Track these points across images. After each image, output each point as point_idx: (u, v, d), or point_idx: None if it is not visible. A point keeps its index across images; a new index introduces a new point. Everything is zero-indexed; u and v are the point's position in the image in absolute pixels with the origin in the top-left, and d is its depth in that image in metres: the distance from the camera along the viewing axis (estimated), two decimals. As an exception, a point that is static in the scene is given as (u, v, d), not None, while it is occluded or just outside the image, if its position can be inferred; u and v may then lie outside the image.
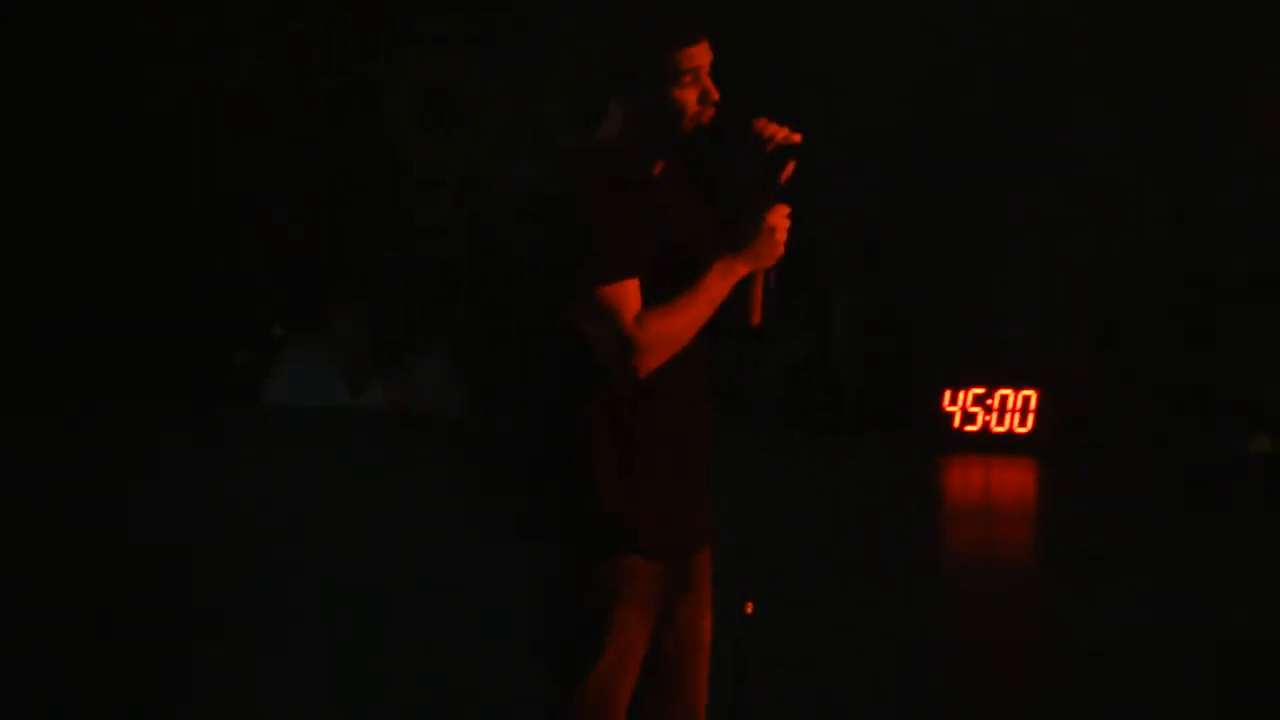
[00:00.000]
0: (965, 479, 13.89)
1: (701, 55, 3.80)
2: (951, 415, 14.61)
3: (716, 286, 3.76)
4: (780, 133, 3.82)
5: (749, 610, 3.99)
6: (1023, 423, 14.47)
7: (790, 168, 3.86)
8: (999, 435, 14.49)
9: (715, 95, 3.83)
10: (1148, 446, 14.12)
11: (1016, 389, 14.53)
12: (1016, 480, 13.80)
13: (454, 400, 16.19)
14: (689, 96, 3.80)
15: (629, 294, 3.71)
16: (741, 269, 3.81)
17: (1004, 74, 15.25)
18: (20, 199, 16.56)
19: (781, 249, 3.85)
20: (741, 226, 3.83)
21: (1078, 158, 15.55)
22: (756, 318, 4.01)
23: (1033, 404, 14.47)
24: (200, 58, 16.71)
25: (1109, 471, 13.51)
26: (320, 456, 13.98)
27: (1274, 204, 15.08)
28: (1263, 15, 14.54)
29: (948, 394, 14.65)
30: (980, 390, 14.58)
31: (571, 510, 3.77)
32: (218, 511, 11.25)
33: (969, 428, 14.55)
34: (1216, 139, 15.15)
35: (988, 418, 14.54)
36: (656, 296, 3.74)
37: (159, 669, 7.09)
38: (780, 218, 3.84)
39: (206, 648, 7.48)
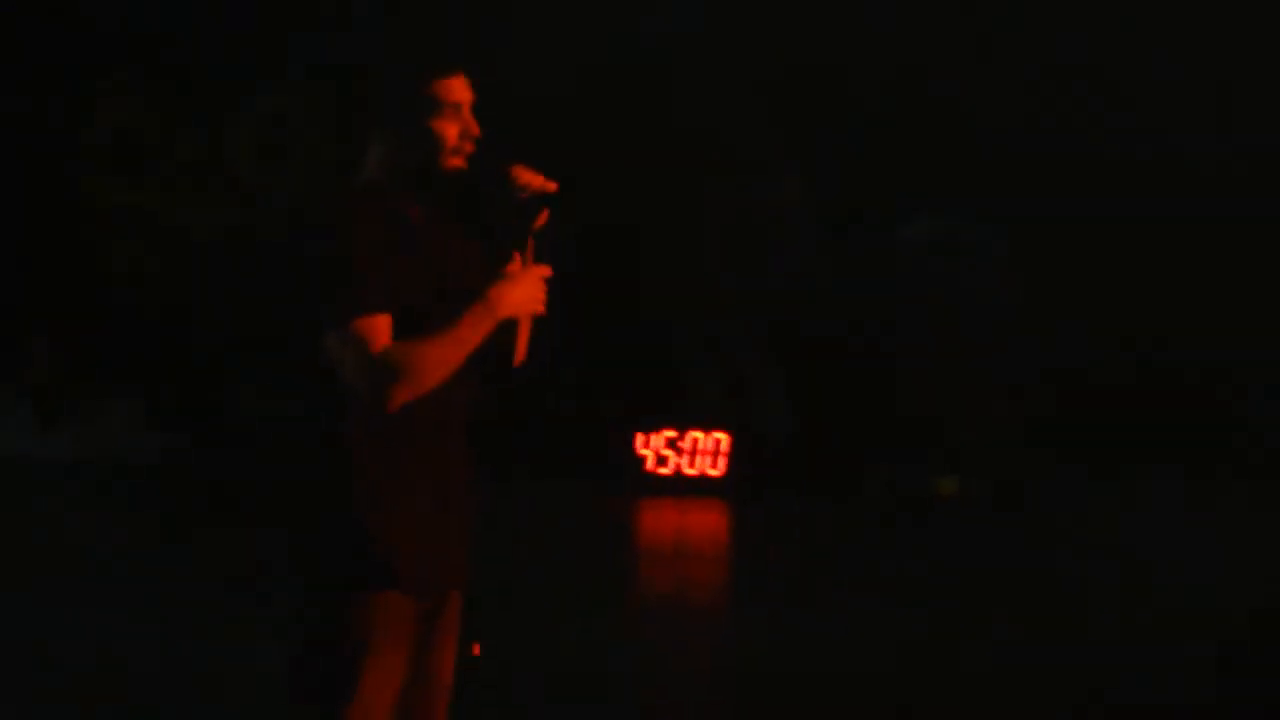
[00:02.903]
0: (658, 520, 14.06)
1: (461, 90, 3.88)
2: (644, 458, 14.78)
3: (470, 328, 3.80)
4: (536, 180, 3.89)
5: (476, 651, 4.06)
6: (714, 465, 14.70)
7: (544, 216, 3.94)
8: (691, 478, 14.69)
9: (476, 131, 3.89)
10: (839, 488, 14.46)
11: (707, 431, 14.74)
12: (708, 522, 14.00)
13: (148, 445, 15.99)
14: (449, 130, 3.87)
15: (380, 327, 3.73)
16: (500, 312, 3.85)
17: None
18: None
19: (541, 305, 3.92)
20: (505, 279, 3.87)
21: (756, 206, 15.88)
22: (520, 358, 4.07)
23: (724, 447, 14.70)
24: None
25: (799, 513, 13.80)
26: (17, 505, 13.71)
27: (951, 246, 15.56)
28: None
29: (639, 437, 14.81)
30: (672, 433, 14.76)
31: (333, 544, 3.78)
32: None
33: (662, 470, 14.74)
34: (889, 184, 15.61)
35: (679, 460, 14.73)
36: (423, 330, 3.78)
37: None
38: (542, 273, 3.93)
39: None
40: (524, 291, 3.89)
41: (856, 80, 15.64)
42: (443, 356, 3.76)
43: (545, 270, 3.93)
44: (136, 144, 16.62)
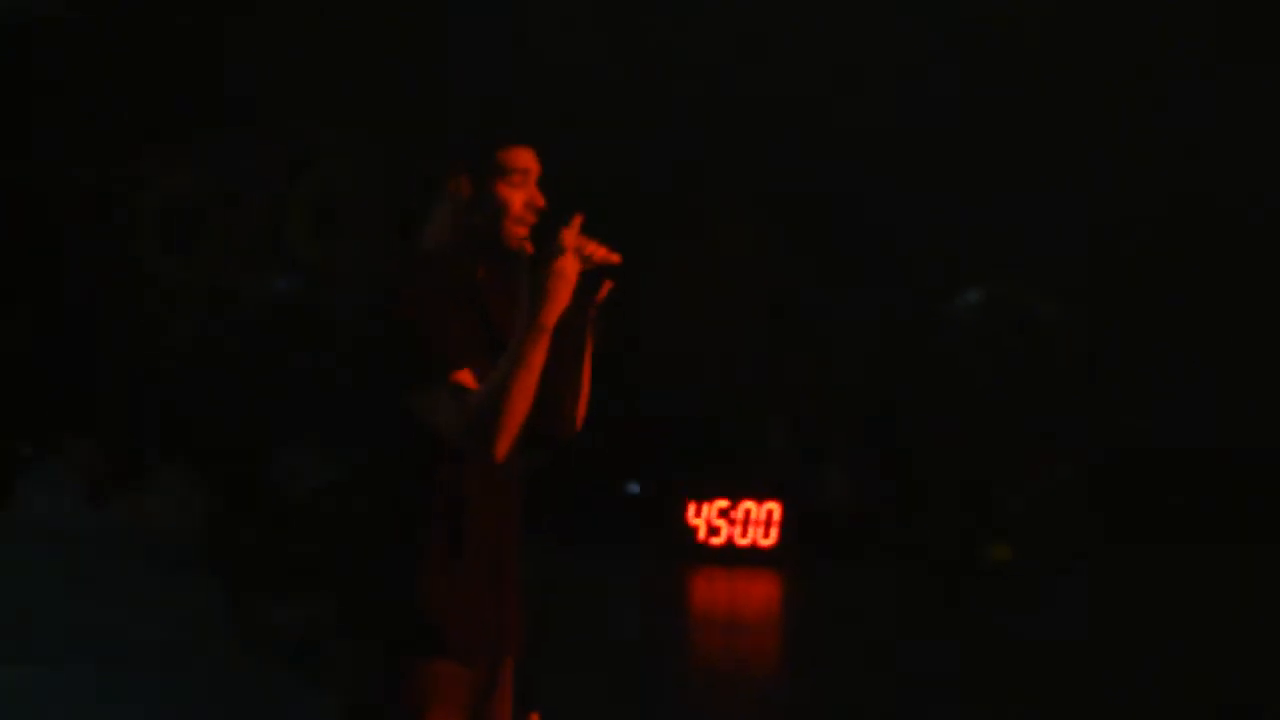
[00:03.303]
0: (710, 590, 14.05)
1: (530, 160, 3.93)
2: (696, 528, 14.77)
3: (531, 348, 3.76)
4: (599, 251, 3.91)
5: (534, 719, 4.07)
6: (766, 535, 14.68)
7: (606, 287, 3.96)
8: (743, 548, 14.66)
9: (540, 203, 3.93)
10: (892, 556, 14.42)
11: (759, 501, 14.72)
12: (760, 591, 13.98)
13: (197, 517, 16.02)
14: (515, 197, 3.91)
15: (467, 380, 3.77)
16: (545, 319, 3.79)
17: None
18: None
19: (570, 285, 3.83)
20: (535, 292, 3.80)
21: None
22: (578, 425, 4.09)
23: (776, 516, 14.69)
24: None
25: (853, 582, 13.76)
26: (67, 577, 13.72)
27: (997, 314, 15.55)
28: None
29: (691, 506, 14.80)
30: (724, 503, 14.75)
31: (390, 612, 3.79)
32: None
33: (714, 540, 14.72)
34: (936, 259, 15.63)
35: (731, 530, 14.72)
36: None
37: None
38: (566, 260, 3.83)
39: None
40: (558, 284, 3.83)
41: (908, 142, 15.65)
42: (521, 387, 3.76)
43: (568, 256, 3.86)
44: (193, 214, 16.72)
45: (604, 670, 10.01)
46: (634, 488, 15.81)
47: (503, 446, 3.73)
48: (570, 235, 3.85)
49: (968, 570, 14.14)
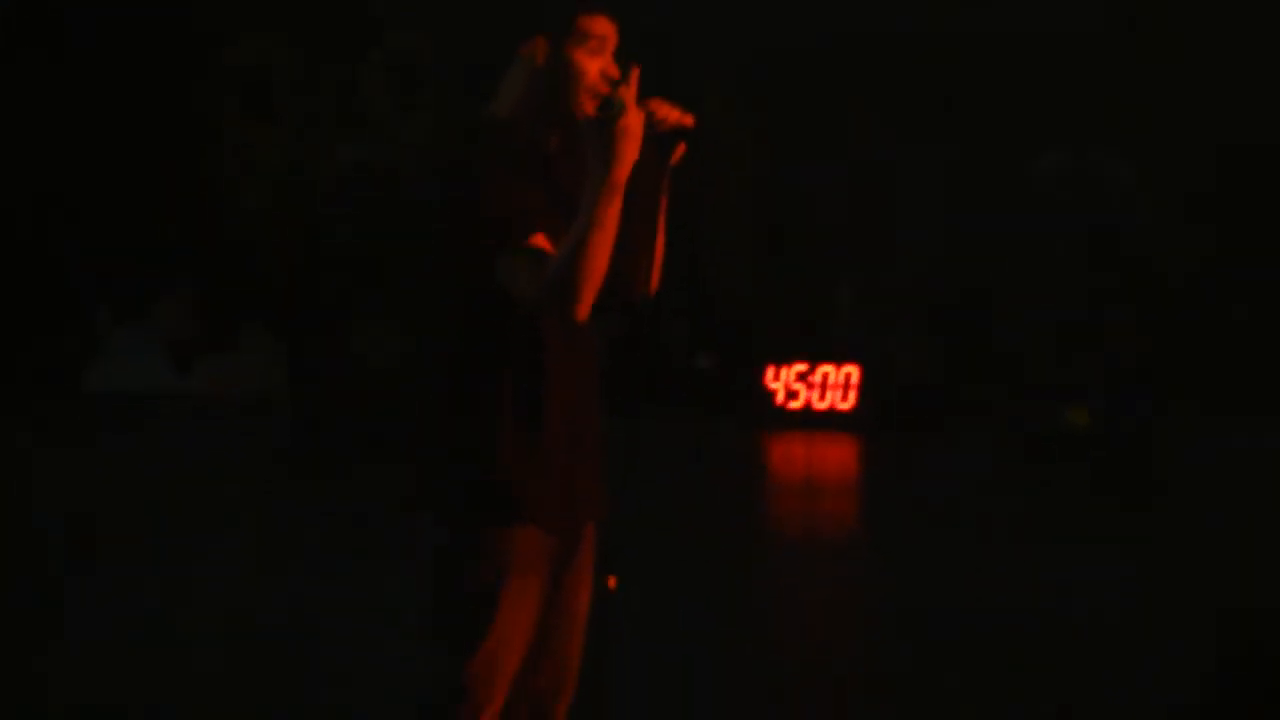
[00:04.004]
0: (787, 455, 14.06)
1: (608, 28, 3.87)
2: (774, 392, 14.76)
3: (601, 207, 3.70)
4: (673, 114, 3.85)
5: (611, 585, 4.07)
6: (844, 399, 14.67)
7: (680, 150, 3.92)
8: (821, 412, 14.66)
9: (615, 73, 3.87)
10: (968, 421, 14.41)
11: (838, 366, 14.69)
12: (838, 456, 13.98)
13: (279, 382, 16.15)
14: (591, 64, 3.86)
15: (542, 243, 3.75)
16: (615, 177, 3.72)
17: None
18: None
19: (637, 141, 3.74)
20: (600, 150, 3.73)
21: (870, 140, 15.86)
22: (654, 286, 4.07)
23: (854, 380, 14.66)
24: (23, 41, 16.53)
25: (929, 448, 13.77)
26: (144, 444, 13.90)
27: (1078, 177, 15.43)
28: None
29: (770, 370, 14.78)
30: (803, 367, 14.73)
31: (470, 480, 3.79)
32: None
33: (792, 404, 14.72)
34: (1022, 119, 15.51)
35: (810, 394, 14.70)
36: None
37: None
38: (625, 112, 3.72)
39: None
40: (622, 142, 3.74)
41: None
42: (597, 247, 3.71)
43: (630, 117, 3.76)
44: (271, 82, 16.74)
45: (680, 536, 10.06)
46: (703, 360, 15.82)
47: (584, 307, 3.70)
48: (629, 91, 3.79)
49: (1047, 434, 14.10)
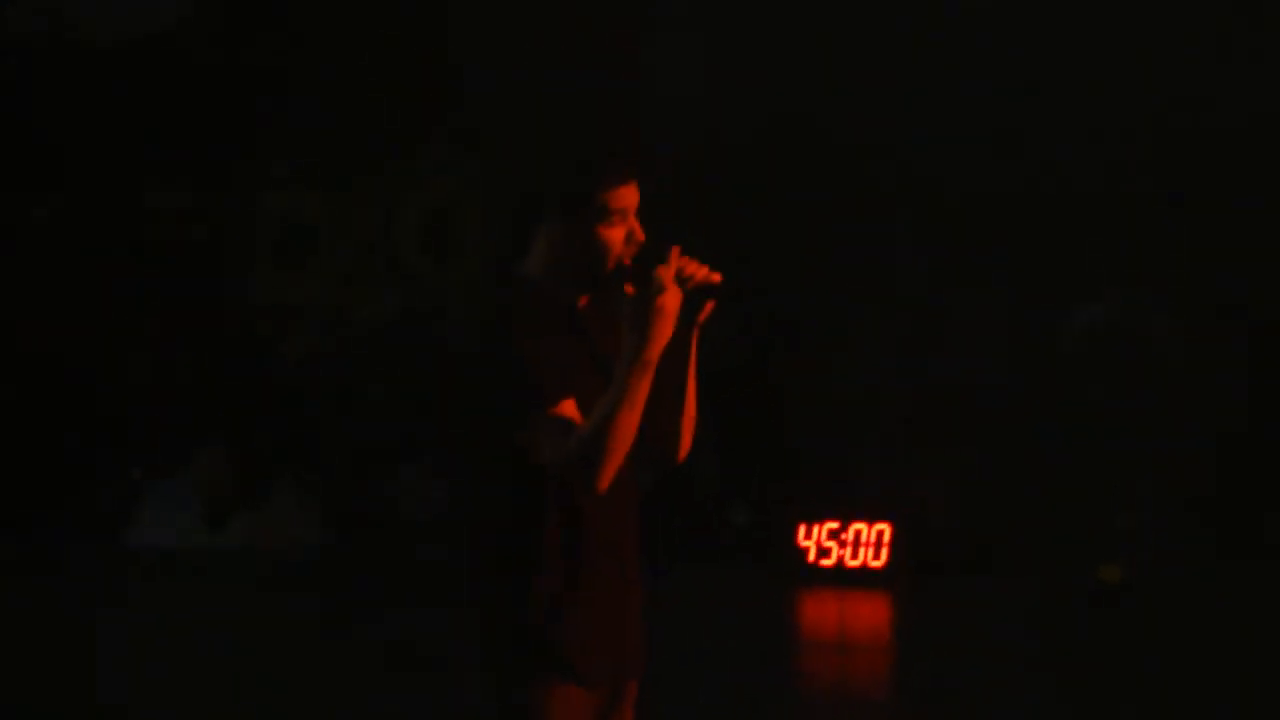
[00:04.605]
0: (821, 612, 14.00)
1: (629, 196, 3.87)
2: (806, 550, 14.72)
3: (632, 383, 3.73)
4: (700, 271, 3.88)
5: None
6: (876, 556, 14.61)
7: (709, 308, 3.94)
8: (853, 569, 14.60)
9: (640, 236, 3.90)
10: (999, 576, 14.33)
11: (870, 523, 14.66)
12: (871, 613, 13.92)
13: (314, 534, 16.14)
14: (616, 236, 3.87)
15: (569, 411, 3.75)
16: (648, 355, 3.76)
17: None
18: None
19: (672, 320, 3.79)
20: (634, 328, 3.78)
21: (912, 284, 15.89)
22: (685, 450, 4.07)
23: (886, 537, 14.62)
24: (53, 187, 16.69)
25: (965, 603, 13.69)
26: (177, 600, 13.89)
27: (1114, 333, 15.42)
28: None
29: (802, 528, 14.75)
30: (834, 524, 14.70)
31: (514, 635, 3.79)
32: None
33: (824, 562, 14.67)
34: (1059, 270, 15.51)
35: (842, 552, 14.65)
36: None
37: None
38: (663, 292, 3.79)
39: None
40: (660, 316, 3.79)
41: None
42: (625, 422, 3.74)
43: (667, 297, 3.81)
44: (304, 234, 16.86)
45: (715, 692, 10.00)
46: (740, 516, 15.80)
47: (605, 480, 3.72)
48: (668, 272, 3.81)
49: (1079, 591, 14.01)
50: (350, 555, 15.33)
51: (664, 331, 3.75)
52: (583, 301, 3.96)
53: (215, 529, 16.27)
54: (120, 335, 16.62)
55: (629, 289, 3.80)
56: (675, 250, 3.85)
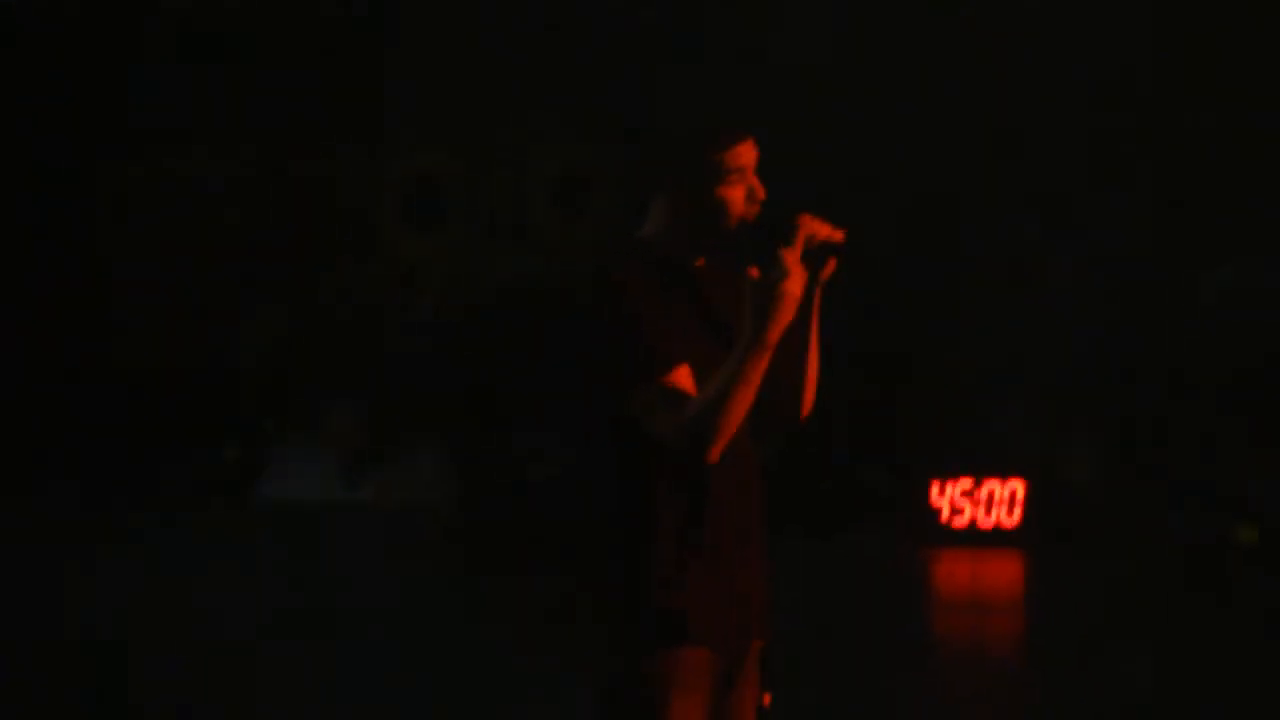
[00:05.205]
0: (954, 572, 13.93)
1: (747, 154, 3.80)
2: (939, 509, 14.63)
3: (750, 364, 3.67)
4: (824, 230, 3.82)
5: (766, 702, 4.02)
6: (1010, 515, 14.50)
7: (831, 266, 3.88)
8: (986, 529, 14.50)
9: (762, 194, 3.83)
10: (1134, 538, 14.19)
11: (1004, 480, 14.54)
12: (1004, 573, 13.83)
13: (449, 493, 16.24)
14: (735, 195, 3.80)
15: (683, 379, 3.71)
16: (770, 337, 3.70)
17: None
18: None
19: (795, 303, 3.72)
20: (761, 308, 3.70)
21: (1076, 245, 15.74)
22: (807, 409, 4.02)
23: (1020, 496, 14.50)
24: (190, 141, 16.87)
25: (1096, 563, 13.58)
26: (313, 554, 14.02)
27: (1252, 297, 15.22)
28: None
29: (935, 486, 14.66)
30: (968, 483, 14.59)
31: (629, 601, 3.76)
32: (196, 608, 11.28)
33: (957, 521, 14.57)
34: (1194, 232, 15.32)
35: (975, 511, 14.55)
36: (710, 379, 3.73)
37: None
38: (791, 279, 3.72)
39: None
40: (780, 303, 3.72)
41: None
42: (740, 399, 3.69)
43: (791, 281, 3.75)
44: (437, 193, 16.94)
45: (847, 653, 9.96)
46: (873, 477, 15.72)
47: (716, 454, 3.67)
48: (793, 255, 3.75)
49: (1217, 553, 13.85)
50: (482, 514, 15.40)
51: (785, 316, 3.69)
52: (699, 263, 3.91)
53: (350, 483, 16.42)
54: (254, 290, 16.78)
55: (753, 272, 3.75)
56: (804, 218, 3.79)
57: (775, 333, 3.71)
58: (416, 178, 16.98)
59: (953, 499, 14.60)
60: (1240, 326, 15.23)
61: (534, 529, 14.19)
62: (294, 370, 16.76)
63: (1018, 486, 14.53)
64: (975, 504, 14.57)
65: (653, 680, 3.74)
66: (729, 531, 3.84)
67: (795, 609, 10.39)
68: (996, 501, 14.55)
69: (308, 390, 16.79)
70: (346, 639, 10.15)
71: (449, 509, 15.76)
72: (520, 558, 13.34)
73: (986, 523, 14.53)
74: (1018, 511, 14.52)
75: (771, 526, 3.96)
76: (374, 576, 12.89)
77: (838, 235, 3.84)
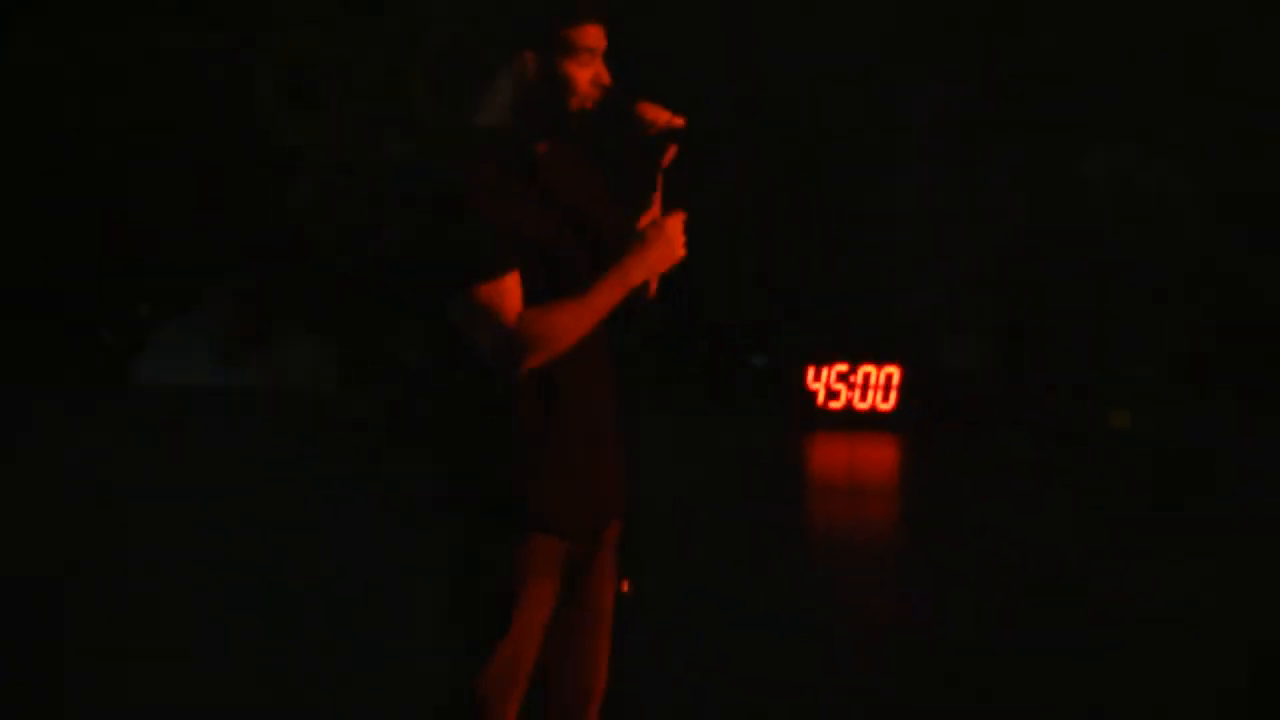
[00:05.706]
0: (830, 455, 14.02)
1: (598, 37, 3.81)
2: (815, 392, 14.73)
3: (607, 296, 3.77)
4: (663, 116, 3.83)
5: (625, 588, 4.05)
6: (885, 400, 14.62)
7: (671, 152, 3.89)
8: (862, 412, 14.62)
9: (606, 80, 3.83)
10: (1008, 423, 14.35)
11: (879, 366, 14.65)
12: (879, 456, 13.94)
13: (327, 375, 16.22)
14: (582, 75, 3.80)
15: (508, 291, 3.72)
16: (636, 278, 3.81)
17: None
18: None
19: (679, 255, 3.85)
20: (637, 235, 3.83)
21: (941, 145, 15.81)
22: (652, 290, 4.04)
23: (895, 381, 14.62)
24: (72, 32, 16.65)
25: (968, 448, 13.72)
26: (193, 436, 13.97)
27: (1128, 185, 15.35)
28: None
29: (810, 370, 14.74)
30: (843, 367, 14.69)
31: (486, 488, 3.79)
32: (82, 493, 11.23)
33: (833, 404, 14.68)
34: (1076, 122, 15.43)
35: (850, 394, 14.66)
36: (561, 272, 3.77)
37: None
38: (677, 225, 3.86)
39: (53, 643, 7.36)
40: (660, 251, 3.83)
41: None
42: (575, 323, 3.75)
43: (679, 219, 3.86)
44: (313, 78, 16.78)
45: (721, 537, 10.03)
46: (759, 359, 15.82)
47: (525, 373, 3.72)
48: (648, 107, 3.80)
49: (1086, 437, 14.03)
50: (358, 400, 15.39)
51: (658, 264, 3.82)
52: (543, 149, 3.90)
53: (227, 366, 16.36)
54: (128, 174, 16.61)
55: (650, 216, 3.83)
56: (642, 105, 3.81)
57: (640, 277, 3.77)
58: (294, 63, 16.82)
59: (828, 383, 14.69)
60: (1122, 214, 15.36)
61: (412, 414, 14.19)
62: (173, 255, 16.63)
63: (894, 371, 14.64)
64: (851, 388, 14.67)
65: (506, 565, 3.78)
66: (581, 419, 3.87)
67: (668, 492, 10.49)
68: (872, 385, 14.66)
69: (186, 275, 16.68)
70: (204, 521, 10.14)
71: (325, 393, 15.75)
72: (395, 443, 13.32)
73: (862, 406, 14.65)
74: (894, 396, 14.63)
75: (646, 407, 3.99)
76: (242, 459, 12.86)
77: (678, 121, 3.85)
